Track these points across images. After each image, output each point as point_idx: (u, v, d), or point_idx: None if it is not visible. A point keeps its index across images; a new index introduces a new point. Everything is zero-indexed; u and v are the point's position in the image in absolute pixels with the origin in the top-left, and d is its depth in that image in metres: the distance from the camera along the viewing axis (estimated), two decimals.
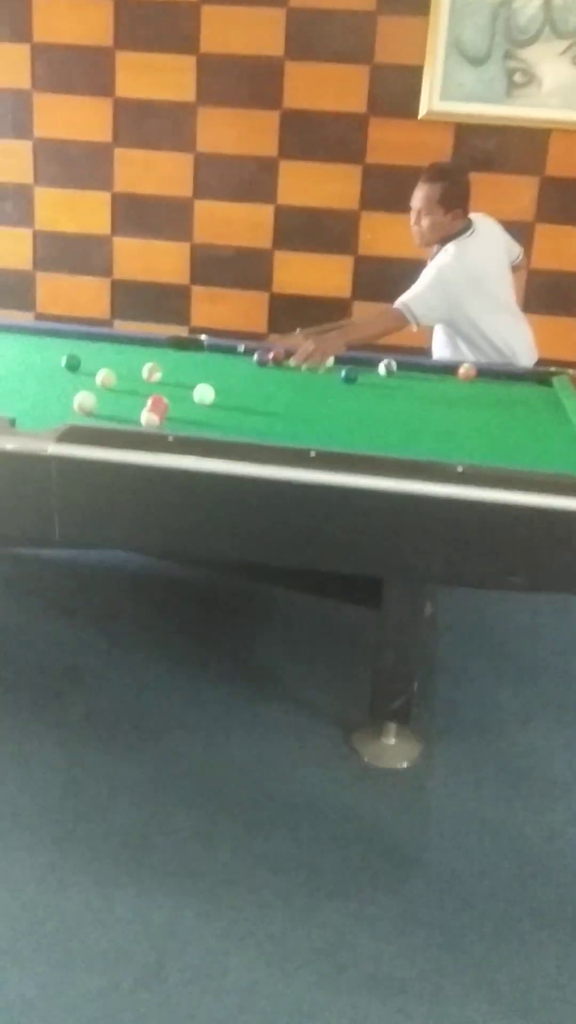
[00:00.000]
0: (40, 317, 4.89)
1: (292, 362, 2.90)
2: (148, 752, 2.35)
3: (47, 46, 4.48)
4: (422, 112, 4.31)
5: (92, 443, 2.00)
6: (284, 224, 4.59)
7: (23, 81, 4.54)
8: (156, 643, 2.84)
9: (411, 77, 4.28)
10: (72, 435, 2.04)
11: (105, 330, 3.48)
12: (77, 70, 4.50)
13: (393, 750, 2.39)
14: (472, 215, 3.42)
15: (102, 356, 3.15)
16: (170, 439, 2.05)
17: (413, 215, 3.37)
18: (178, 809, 2.15)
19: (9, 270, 4.85)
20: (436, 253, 3.36)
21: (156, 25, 4.39)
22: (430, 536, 1.98)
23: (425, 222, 3.32)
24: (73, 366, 2.87)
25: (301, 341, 3.11)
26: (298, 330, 3.24)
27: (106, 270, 4.80)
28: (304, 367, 2.88)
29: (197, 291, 4.76)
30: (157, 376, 2.82)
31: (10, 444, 2.02)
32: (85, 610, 2.99)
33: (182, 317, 4.80)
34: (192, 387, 2.69)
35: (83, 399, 2.37)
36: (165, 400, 2.35)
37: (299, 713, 2.56)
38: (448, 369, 3.20)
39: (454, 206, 3.29)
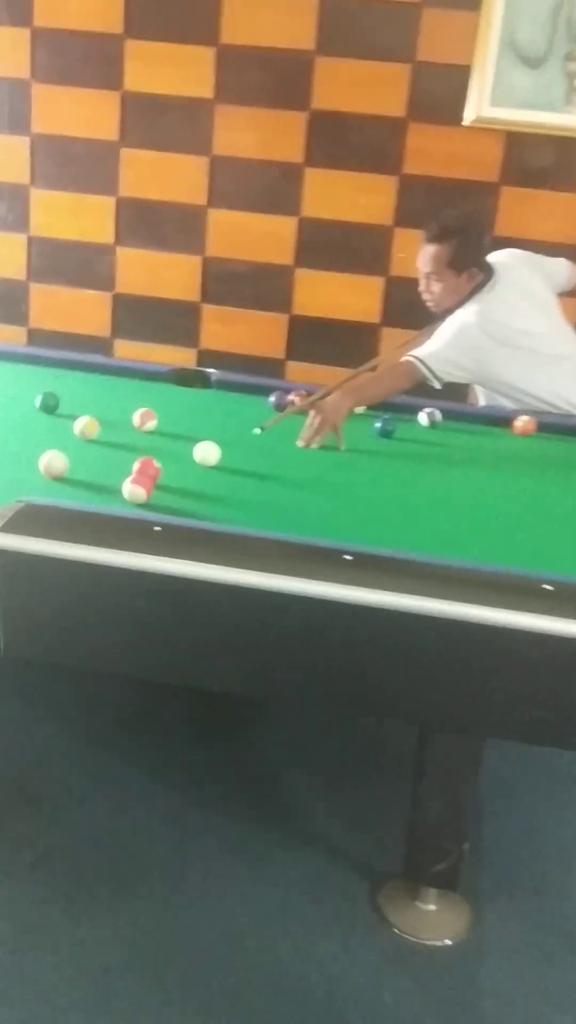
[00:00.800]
0: (33, 332, 4.40)
1: (300, 443, 2.34)
2: (115, 911, 1.84)
3: (49, 31, 3.99)
4: (468, 119, 3.80)
5: (48, 535, 1.48)
6: (308, 239, 4.08)
7: (21, 70, 4.05)
8: (135, 755, 2.32)
9: (457, 79, 3.77)
10: (23, 521, 1.52)
11: (93, 358, 2.97)
12: (82, 59, 4.00)
13: (434, 920, 1.87)
14: (494, 258, 2.91)
15: (89, 391, 2.64)
16: (156, 529, 1.54)
17: (422, 280, 2.86)
18: (147, 996, 1.63)
19: (0, 279, 4.36)
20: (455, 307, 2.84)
21: (171, 12, 3.89)
22: (505, 679, 1.46)
23: (437, 288, 2.81)
24: (49, 407, 2.37)
25: (298, 409, 2.55)
26: (292, 397, 2.68)
27: (108, 283, 4.30)
28: (314, 445, 2.34)
29: (208, 310, 4.26)
30: (151, 424, 2.31)
31: None
32: (45, 707, 2.46)
33: (190, 338, 4.29)
34: (193, 439, 2.19)
35: (51, 461, 1.87)
36: (156, 464, 1.84)
37: (313, 859, 2.04)
38: (501, 420, 2.68)
39: (468, 265, 2.79)
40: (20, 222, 4.27)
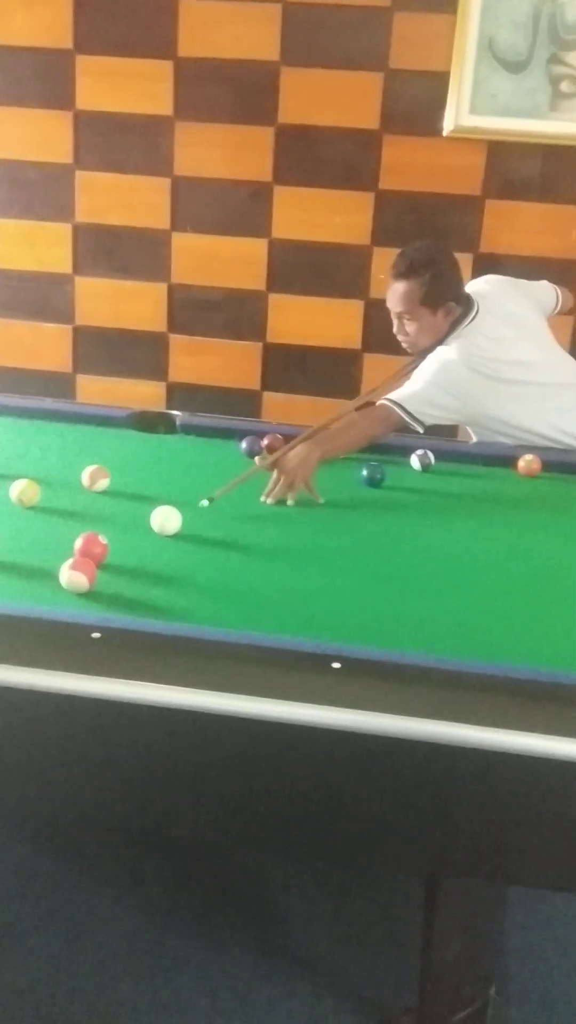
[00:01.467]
0: None
1: (264, 499, 2.03)
2: None
3: None
4: (447, 128, 3.54)
5: None
6: (280, 262, 3.80)
7: None
8: (96, 870, 2.00)
9: (434, 86, 3.52)
10: None
11: (41, 404, 2.66)
12: (30, 77, 3.73)
13: None
14: (472, 288, 2.63)
15: (34, 443, 2.34)
16: (94, 636, 1.23)
17: (394, 321, 2.58)
18: None
19: None
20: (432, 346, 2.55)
21: (124, 24, 3.63)
22: (529, 821, 1.15)
23: (412, 328, 2.53)
24: None
25: (259, 469, 2.23)
26: (265, 441, 2.37)
27: (67, 315, 4.01)
28: (289, 501, 2.01)
29: (176, 341, 3.97)
30: (103, 483, 2.01)
31: None
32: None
33: (158, 371, 4.00)
34: (151, 499, 1.89)
35: None
36: (102, 540, 1.54)
37: (312, 996, 1.72)
38: (503, 460, 2.39)
39: (444, 300, 2.50)
40: None
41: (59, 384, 4.02)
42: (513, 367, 2.50)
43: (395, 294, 2.51)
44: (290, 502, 2.04)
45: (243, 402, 3.92)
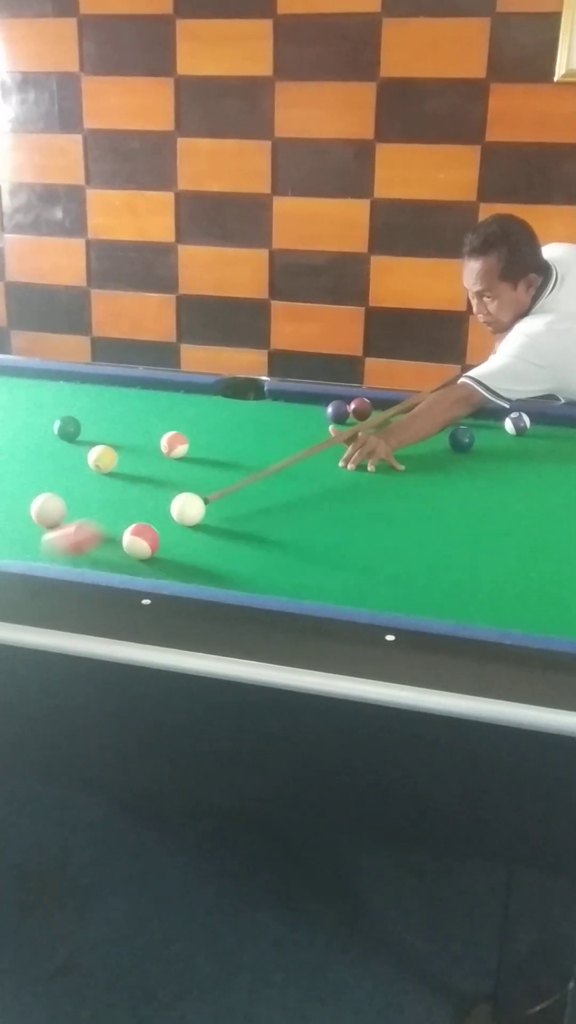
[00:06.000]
0: (97, 341, 4.15)
1: (342, 464, 1.96)
2: None
3: (96, 19, 3.73)
4: (559, 73, 3.34)
5: (8, 617, 1.16)
6: (383, 223, 3.69)
7: (70, 63, 3.79)
8: (177, 841, 2.00)
9: (545, 29, 3.32)
10: None
11: (132, 372, 2.66)
12: (132, 46, 3.72)
13: None
14: (548, 252, 2.44)
15: (121, 409, 2.34)
16: (144, 603, 1.20)
17: (473, 301, 2.42)
18: None
19: (61, 287, 4.12)
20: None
21: None
22: None
23: (493, 306, 2.37)
24: (69, 434, 2.06)
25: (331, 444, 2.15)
26: (353, 405, 2.26)
27: (171, 284, 4.01)
28: (369, 468, 1.94)
29: (277, 307, 3.92)
30: (181, 450, 1.98)
31: None
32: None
33: (260, 339, 3.96)
34: (230, 465, 1.86)
35: (42, 507, 1.55)
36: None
37: (383, 977, 1.68)
38: None
39: (524, 272, 2.34)
40: (77, 225, 4.02)
41: (164, 354, 4.04)
42: None
43: (472, 273, 2.38)
44: (371, 468, 1.97)
45: (345, 369, 3.85)
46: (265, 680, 1.09)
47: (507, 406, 2.26)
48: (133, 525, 1.46)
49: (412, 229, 3.66)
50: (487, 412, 2.27)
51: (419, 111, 3.53)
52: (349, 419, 2.31)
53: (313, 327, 3.90)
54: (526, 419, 2.23)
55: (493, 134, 3.49)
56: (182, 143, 3.80)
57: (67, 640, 1.13)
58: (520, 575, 1.45)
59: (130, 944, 1.74)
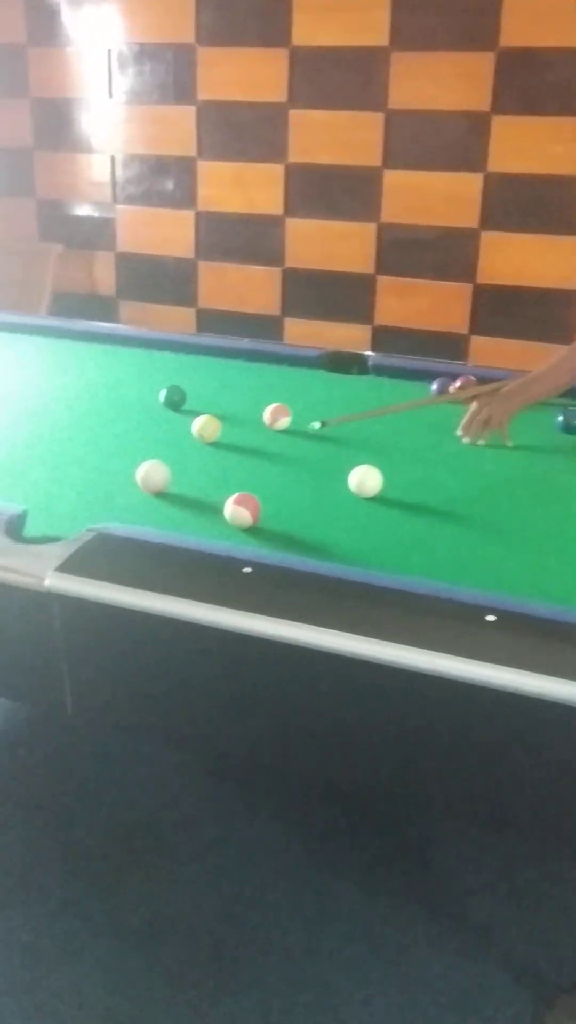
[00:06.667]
0: (202, 313, 4.19)
1: (460, 433, 1.92)
2: (222, 999, 1.55)
3: None
4: None
5: (108, 576, 1.20)
6: (495, 197, 3.61)
7: (186, 34, 3.80)
8: (273, 807, 2.03)
9: None
10: (87, 558, 1.24)
11: (238, 343, 2.67)
12: (247, 15, 3.71)
13: None
14: None
15: (226, 381, 2.36)
16: (245, 571, 1.21)
17: None
18: None
19: (169, 258, 4.17)
20: None
21: None
22: None
23: None
24: (175, 403, 2.09)
25: (452, 399, 2.13)
26: (458, 383, 2.20)
27: (278, 258, 4.01)
28: (480, 441, 1.90)
29: (383, 282, 3.88)
30: (283, 422, 1.99)
31: (1, 566, 1.25)
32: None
33: (364, 314, 3.93)
34: (331, 440, 1.85)
35: (148, 474, 1.58)
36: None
37: (465, 960, 1.67)
38: None
39: None
40: (187, 197, 4.06)
41: (267, 327, 4.05)
42: None
43: None
44: (481, 442, 1.93)
45: (450, 346, 3.79)
46: (366, 654, 1.09)
47: None
48: (236, 495, 1.48)
49: (526, 204, 3.57)
50: None
51: (539, 82, 3.42)
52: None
53: (418, 303, 3.85)
54: None
55: None
56: (294, 115, 3.79)
57: (171, 604, 1.16)
58: None
59: (212, 905, 1.77)
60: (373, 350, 3.40)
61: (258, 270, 4.05)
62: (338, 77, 3.67)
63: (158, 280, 4.22)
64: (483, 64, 3.47)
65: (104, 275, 4.29)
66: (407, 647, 1.08)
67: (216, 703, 1.23)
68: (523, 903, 1.79)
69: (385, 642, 1.09)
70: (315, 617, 1.12)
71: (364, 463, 1.64)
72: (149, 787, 2.05)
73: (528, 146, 3.50)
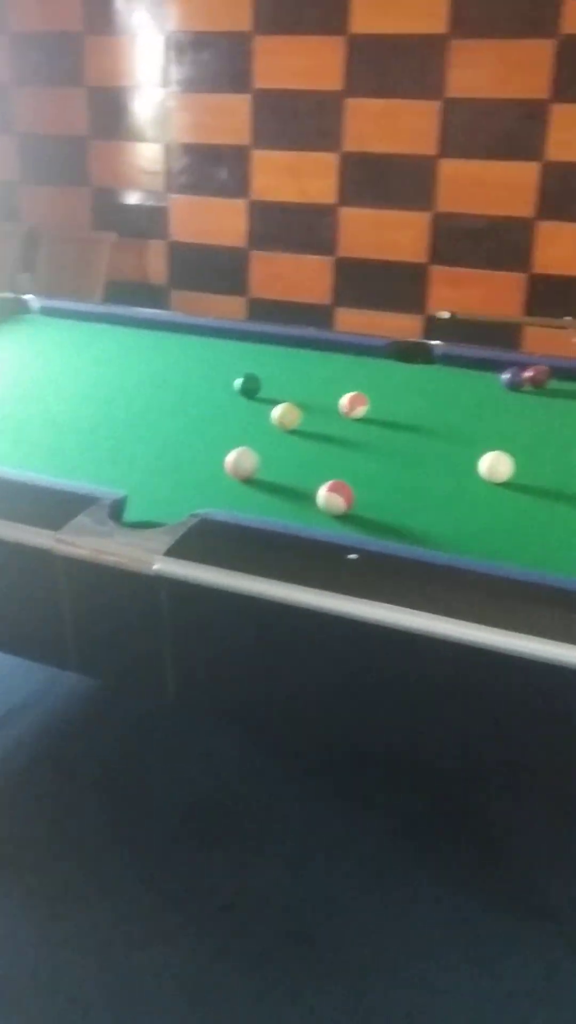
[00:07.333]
0: (253, 303, 4.20)
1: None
2: (299, 984, 1.58)
3: None
4: None
5: (218, 561, 1.21)
6: (552, 186, 3.59)
7: (242, 22, 3.80)
8: (351, 790, 2.05)
9: None
10: (194, 543, 1.26)
11: (304, 332, 2.68)
12: (305, 3, 3.70)
13: None
14: None
15: (296, 370, 2.37)
16: (351, 557, 1.23)
17: None
18: None
19: (222, 248, 4.19)
20: None
21: None
22: None
23: None
24: (250, 391, 2.11)
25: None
26: (530, 372, 2.20)
27: (329, 247, 4.01)
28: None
29: (437, 272, 3.87)
30: (361, 410, 2.00)
31: (108, 550, 1.28)
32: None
33: (417, 304, 3.93)
34: (411, 428, 1.87)
35: (238, 460, 1.60)
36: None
37: (551, 946, 1.68)
38: None
39: None
40: (241, 186, 4.06)
41: (319, 316, 4.05)
42: None
43: None
44: None
45: (503, 336, 3.77)
46: (478, 641, 1.10)
47: None
48: (329, 482, 1.49)
49: None
50: None
51: None
52: (526, 387, 2.27)
53: (473, 293, 3.84)
54: None
55: None
56: (350, 103, 3.78)
57: (281, 589, 1.17)
58: None
59: (289, 888, 1.79)
60: (425, 339, 3.40)
61: (310, 259, 4.06)
62: (395, 65, 3.66)
63: (210, 269, 4.23)
64: (543, 52, 3.45)
65: (156, 264, 4.32)
66: (519, 635, 1.10)
67: (323, 692, 1.25)
68: None
69: (496, 629, 1.10)
70: (427, 604, 1.13)
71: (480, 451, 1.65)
72: (228, 773, 2.07)
73: None
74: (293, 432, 1.90)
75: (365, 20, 3.63)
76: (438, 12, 3.53)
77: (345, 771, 2.07)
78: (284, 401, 1.96)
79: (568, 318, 2.14)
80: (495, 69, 3.52)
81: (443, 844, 1.91)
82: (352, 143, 3.83)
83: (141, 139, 4.15)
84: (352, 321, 4.04)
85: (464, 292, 3.84)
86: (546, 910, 1.76)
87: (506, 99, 3.56)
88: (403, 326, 3.90)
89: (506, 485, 1.63)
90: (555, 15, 3.38)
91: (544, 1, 3.38)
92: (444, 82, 3.61)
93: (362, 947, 1.67)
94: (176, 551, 1.25)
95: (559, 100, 3.48)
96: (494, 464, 1.63)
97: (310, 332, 2.71)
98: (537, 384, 2.28)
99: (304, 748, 2.04)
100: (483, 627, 1.11)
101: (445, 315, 1.94)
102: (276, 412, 1.90)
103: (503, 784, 1.55)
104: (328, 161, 3.89)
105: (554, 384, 2.30)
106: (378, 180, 3.85)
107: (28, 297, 2.86)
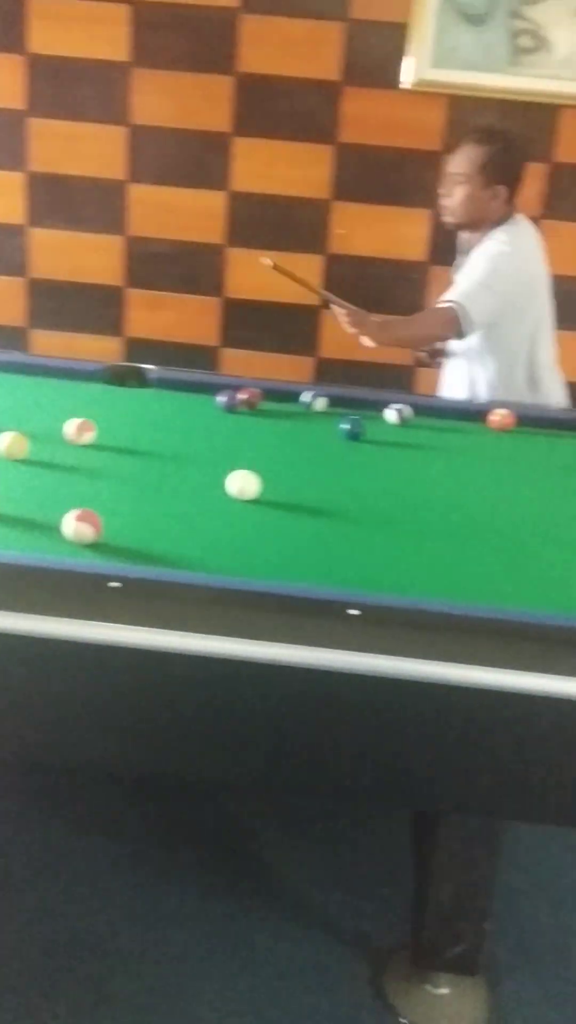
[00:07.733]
0: None
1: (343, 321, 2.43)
2: (78, 1016, 1.55)
3: None
4: (408, 81, 3.53)
5: None
6: (239, 215, 3.77)
7: None
8: (87, 820, 2.02)
9: (395, 37, 3.50)
10: None
11: (10, 356, 2.61)
12: None
13: (446, 1005, 1.63)
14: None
15: (6, 397, 2.31)
16: (112, 585, 1.23)
17: (446, 184, 2.62)
18: None
19: None
20: (476, 242, 2.62)
21: None
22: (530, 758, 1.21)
23: (459, 192, 2.58)
24: None
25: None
26: (244, 395, 2.36)
27: (21, 267, 3.91)
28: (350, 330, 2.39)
29: (133, 295, 3.92)
30: (89, 436, 1.99)
31: None
32: None
33: (115, 326, 3.94)
34: (138, 452, 1.89)
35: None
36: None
37: (302, 937, 1.78)
38: (474, 414, 2.43)
39: (497, 180, 2.56)
40: None
41: (14, 338, 3.94)
42: (544, 291, 2.64)
43: (461, 154, 2.59)
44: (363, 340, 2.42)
45: (201, 358, 3.90)
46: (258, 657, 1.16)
47: (469, 334, 2.47)
48: (75, 510, 1.48)
49: (268, 222, 3.75)
50: (369, 404, 2.41)
51: (276, 108, 3.62)
52: (241, 409, 2.38)
53: (169, 315, 3.92)
54: (408, 410, 2.38)
55: (346, 135, 3.64)
56: (33, 123, 3.72)
57: (41, 624, 1.16)
58: (426, 551, 1.58)
59: (49, 928, 1.75)
60: (126, 361, 3.44)
61: (1, 280, 3.93)
62: (79, 88, 3.66)
63: None
64: (223, 87, 3.62)
65: None
66: (280, 645, 1.17)
67: (97, 722, 1.24)
68: (349, 878, 1.93)
69: (264, 643, 1.17)
70: (199, 627, 1.17)
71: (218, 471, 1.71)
72: None
73: (269, 167, 3.69)
74: (22, 462, 1.85)
75: (45, 42, 3.59)
76: (118, 40, 3.57)
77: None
78: (5, 431, 1.90)
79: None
80: (179, 100, 3.64)
81: (197, 861, 1.95)
82: (39, 163, 3.77)
83: None
84: (49, 343, 3.97)
85: (161, 315, 3.92)
86: (304, 908, 1.86)
87: (189, 129, 3.68)
88: (103, 348, 3.89)
89: (255, 502, 1.71)
90: (232, 53, 3.56)
91: (222, 39, 3.55)
92: (129, 108, 3.66)
93: (128, 973, 1.67)
94: None
95: (239, 134, 3.66)
96: (243, 483, 1.70)
97: (16, 356, 2.64)
98: (251, 406, 2.40)
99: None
100: (238, 640, 1.17)
101: (268, 263, 2.09)
102: (2, 442, 1.84)
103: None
104: (15, 180, 3.80)
105: (264, 405, 2.43)
106: (68, 202, 3.82)
107: None
